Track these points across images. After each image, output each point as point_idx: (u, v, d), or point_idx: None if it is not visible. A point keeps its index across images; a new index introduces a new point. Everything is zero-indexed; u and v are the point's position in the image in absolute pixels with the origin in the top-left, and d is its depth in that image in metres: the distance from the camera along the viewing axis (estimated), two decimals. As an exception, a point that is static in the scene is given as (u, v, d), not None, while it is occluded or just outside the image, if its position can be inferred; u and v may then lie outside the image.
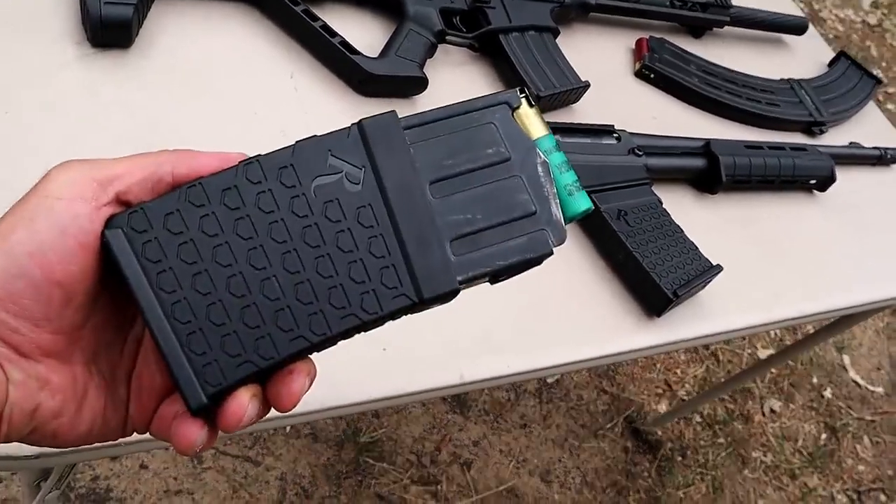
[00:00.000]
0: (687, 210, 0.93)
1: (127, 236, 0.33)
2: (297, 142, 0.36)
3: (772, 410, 1.96)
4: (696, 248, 0.82)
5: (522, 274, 0.39)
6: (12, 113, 0.66)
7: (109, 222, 0.33)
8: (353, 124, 0.37)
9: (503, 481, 1.56)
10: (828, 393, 2.08)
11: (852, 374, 2.17)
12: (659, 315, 0.78)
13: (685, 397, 1.86)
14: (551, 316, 0.74)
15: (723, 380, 1.94)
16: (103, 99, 0.71)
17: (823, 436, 1.99)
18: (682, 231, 0.83)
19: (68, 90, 0.70)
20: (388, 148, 0.36)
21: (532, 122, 0.39)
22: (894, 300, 1.05)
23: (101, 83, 0.72)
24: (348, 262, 0.34)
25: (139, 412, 0.36)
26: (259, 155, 0.35)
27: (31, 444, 0.33)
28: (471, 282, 0.36)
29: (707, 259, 0.81)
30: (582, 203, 0.40)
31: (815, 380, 2.10)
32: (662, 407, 1.83)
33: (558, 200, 0.38)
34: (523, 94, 0.39)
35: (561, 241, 0.38)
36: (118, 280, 0.33)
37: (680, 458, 1.76)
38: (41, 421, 0.32)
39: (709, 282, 0.80)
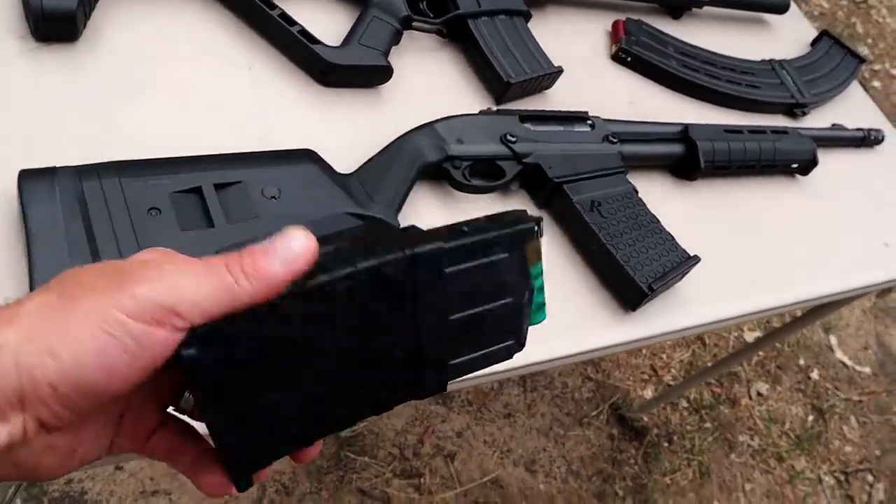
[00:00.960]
0: (664, 198, 0.90)
1: (202, 354, 0.34)
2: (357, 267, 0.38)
3: (759, 393, 1.95)
4: (673, 238, 0.79)
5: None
6: (-50, 112, 0.63)
7: (186, 341, 0.33)
8: (406, 251, 0.39)
9: (487, 472, 1.55)
10: (815, 374, 2.08)
11: (839, 354, 2.17)
12: (634, 309, 0.75)
13: (671, 382, 1.85)
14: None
15: (709, 364, 1.93)
16: (50, 96, 0.67)
17: (810, 418, 1.99)
18: (657, 221, 0.80)
19: (12, 87, 0.66)
20: (430, 281, 0.40)
21: (533, 253, 0.44)
22: (878, 285, 1.03)
23: (46, 79, 0.68)
24: (382, 371, 0.40)
25: (129, 440, 0.38)
26: (324, 280, 0.37)
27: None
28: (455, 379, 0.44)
29: (684, 250, 0.79)
30: (541, 317, 0.48)
31: (802, 361, 2.09)
32: (648, 392, 1.82)
33: (530, 318, 0.46)
34: (538, 229, 0.44)
35: (521, 349, 0.47)
36: (192, 390, 0.37)
37: (666, 444, 1.75)
38: (29, 468, 0.32)
39: (686, 273, 0.78)
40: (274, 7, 0.77)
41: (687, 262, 0.78)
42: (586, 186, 0.79)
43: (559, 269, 0.77)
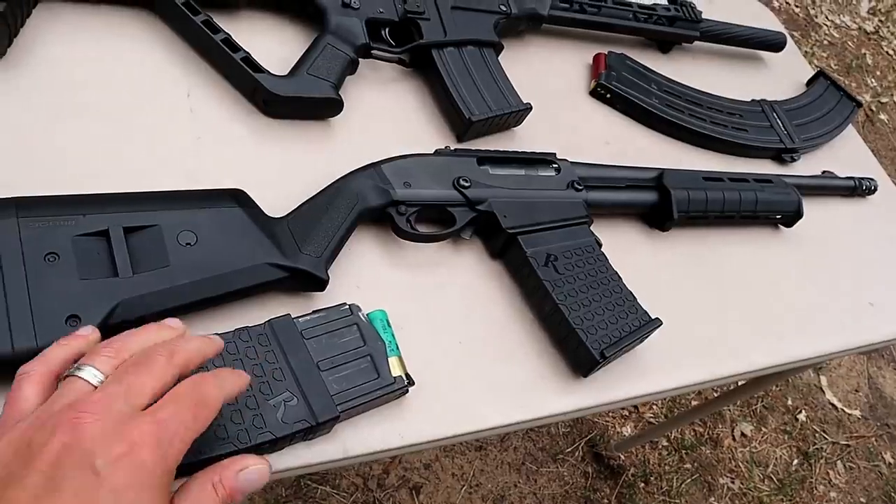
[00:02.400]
0: (632, 248, 0.85)
1: None
2: (242, 327, 0.57)
3: (742, 434, 1.89)
4: (634, 298, 0.74)
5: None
6: None
7: None
8: (266, 323, 0.57)
9: (453, 507, 1.49)
10: (802, 416, 2.02)
11: (829, 395, 2.11)
12: (585, 376, 0.70)
13: (652, 419, 1.79)
14: (461, 374, 0.66)
15: (693, 402, 1.87)
16: (-36, 118, 0.63)
17: (795, 461, 1.93)
18: (619, 279, 0.75)
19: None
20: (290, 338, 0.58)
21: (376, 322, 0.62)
22: (860, 348, 0.97)
23: (-35, 99, 0.63)
24: (267, 399, 0.54)
25: None
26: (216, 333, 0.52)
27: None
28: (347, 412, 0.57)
29: (645, 311, 0.73)
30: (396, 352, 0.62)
31: (790, 402, 2.03)
32: (628, 430, 1.76)
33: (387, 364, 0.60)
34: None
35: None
36: None
37: (643, 485, 1.69)
38: None
39: (645, 337, 0.73)
40: (218, 31, 0.72)
41: (647, 325, 0.72)
42: (543, 238, 0.73)
43: (508, 327, 0.72)
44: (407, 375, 0.60)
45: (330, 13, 0.79)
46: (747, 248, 0.96)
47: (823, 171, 1.11)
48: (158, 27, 0.75)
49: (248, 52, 0.72)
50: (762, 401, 1.98)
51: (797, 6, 3.09)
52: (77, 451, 0.37)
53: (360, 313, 0.61)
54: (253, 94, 0.73)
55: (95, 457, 0.36)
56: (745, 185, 0.94)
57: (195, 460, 0.49)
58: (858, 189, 1.11)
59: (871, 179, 1.13)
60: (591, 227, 0.78)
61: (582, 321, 0.69)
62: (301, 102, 0.73)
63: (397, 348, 0.61)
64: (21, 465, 0.36)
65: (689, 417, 1.76)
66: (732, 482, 1.79)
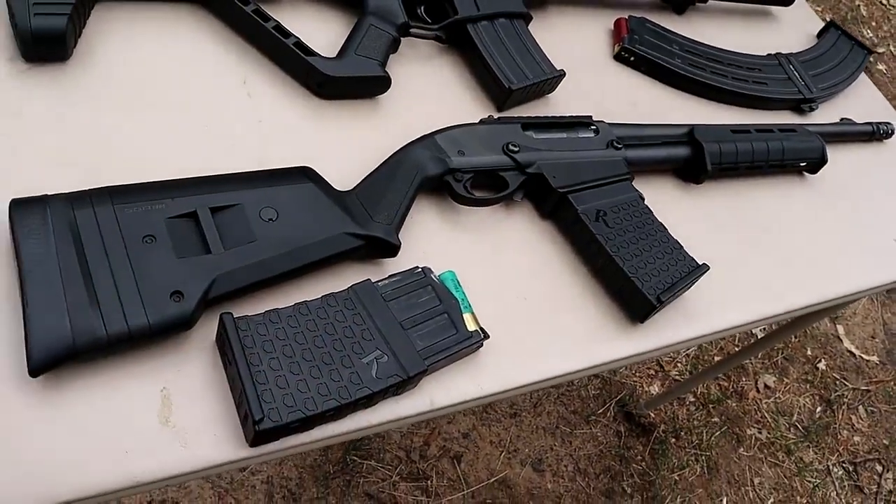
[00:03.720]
0: (669, 202, 0.89)
1: (235, 326, 0.55)
2: (329, 293, 0.61)
3: (766, 386, 1.94)
4: (681, 246, 0.78)
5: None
6: (-61, 138, 0.61)
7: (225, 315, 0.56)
8: (349, 288, 0.62)
9: (494, 473, 1.54)
10: (822, 365, 2.06)
11: (847, 343, 2.15)
12: (642, 321, 0.74)
13: (678, 377, 1.84)
14: (527, 327, 0.70)
15: (716, 357, 1.92)
16: (39, 117, 0.66)
17: (819, 409, 1.97)
18: (665, 229, 0.79)
19: (2, 110, 0.65)
20: (373, 301, 0.62)
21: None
22: (889, 284, 1.01)
23: (36, 101, 0.67)
24: (360, 357, 0.58)
25: None
26: (306, 301, 0.59)
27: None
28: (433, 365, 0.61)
29: (692, 258, 0.77)
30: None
31: (809, 352, 2.08)
32: (655, 388, 1.80)
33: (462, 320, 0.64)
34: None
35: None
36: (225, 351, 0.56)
37: (674, 440, 1.74)
38: None
39: (694, 282, 0.76)
40: (268, 19, 0.75)
41: (696, 271, 0.76)
42: (591, 195, 0.77)
43: (563, 282, 0.75)
44: (482, 329, 0.64)
45: (368, -6, 0.82)
46: (776, 195, 1.00)
47: (842, 119, 1.14)
48: (208, 20, 0.78)
49: (298, 37, 0.75)
50: (782, 353, 2.02)
51: (788, -37, 3.11)
52: None
53: (432, 275, 0.65)
54: (306, 76, 0.76)
55: None
56: (771, 136, 0.98)
57: (307, 415, 0.53)
58: (876, 133, 1.14)
59: (889, 123, 1.16)
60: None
61: (636, 270, 0.73)
62: (352, 82, 0.76)
63: (469, 305, 0.65)
64: None
65: (713, 372, 1.80)
66: (760, 432, 1.84)
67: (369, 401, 0.57)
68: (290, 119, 0.75)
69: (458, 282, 0.66)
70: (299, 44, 0.75)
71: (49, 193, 0.57)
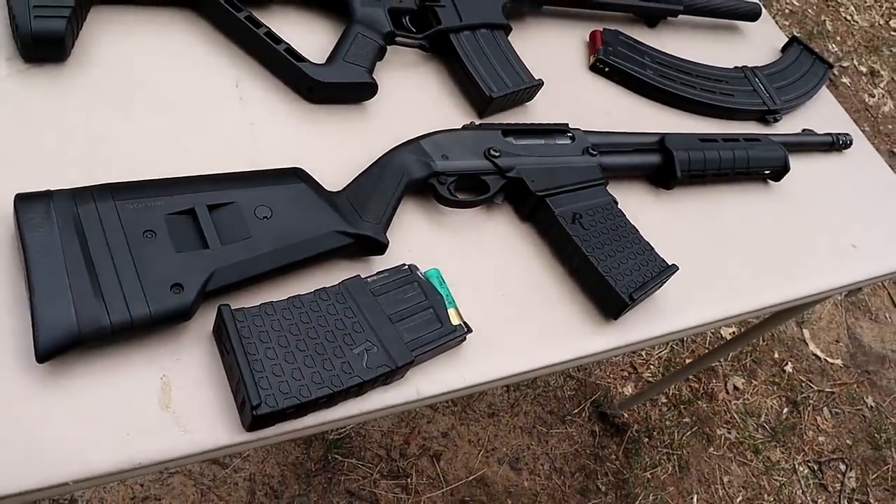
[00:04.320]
0: (641, 207, 0.93)
1: (233, 317, 0.59)
2: (321, 288, 0.64)
3: (735, 387, 2.00)
4: (652, 248, 0.82)
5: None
6: (-58, 136, 0.63)
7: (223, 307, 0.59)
8: (340, 283, 0.65)
9: (473, 471, 1.57)
10: (789, 367, 2.13)
11: (812, 347, 2.22)
12: (615, 318, 0.78)
13: (651, 379, 1.89)
14: (507, 322, 0.74)
15: (687, 360, 1.97)
16: (37, 117, 0.68)
17: (785, 410, 2.04)
18: (637, 231, 0.83)
19: (1, 109, 0.67)
20: (363, 295, 0.65)
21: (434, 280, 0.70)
22: (848, 286, 1.07)
23: (35, 101, 0.69)
24: (351, 348, 0.61)
25: None
26: (299, 294, 0.63)
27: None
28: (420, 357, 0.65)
29: (662, 259, 0.82)
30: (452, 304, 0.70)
31: (776, 355, 2.14)
32: (628, 389, 1.85)
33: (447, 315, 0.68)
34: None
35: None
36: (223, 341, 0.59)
37: (646, 440, 1.79)
38: None
39: (664, 282, 0.81)
40: (260, 25, 0.79)
41: (665, 271, 0.80)
42: (567, 199, 0.81)
43: (541, 281, 0.79)
44: (465, 324, 0.67)
45: (355, 4, 0.86)
46: (741, 201, 1.05)
47: (803, 129, 1.20)
48: (200, 24, 0.81)
49: (289, 44, 0.79)
50: (751, 355, 2.09)
51: (758, -21, 3.20)
52: None
53: (417, 272, 0.68)
54: (296, 81, 0.79)
55: None
56: (737, 145, 1.03)
57: (302, 401, 0.56)
58: (836, 144, 1.20)
59: (847, 135, 1.22)
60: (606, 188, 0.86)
61: (610, 270, 0.77)
62: (341, 87, 0.80)
63: (454, 301, 0.68)
64: None
65: (685, 374, 1.86)
66: (729, 432, 1.90)
67: (360, 389, 0.61)
68: (281, 122, 0.78)
69: (442, 279, 0.69)
70: (290, 50, 0.78)
71: (52, 189, 0.60)
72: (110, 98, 0.72)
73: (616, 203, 0.85)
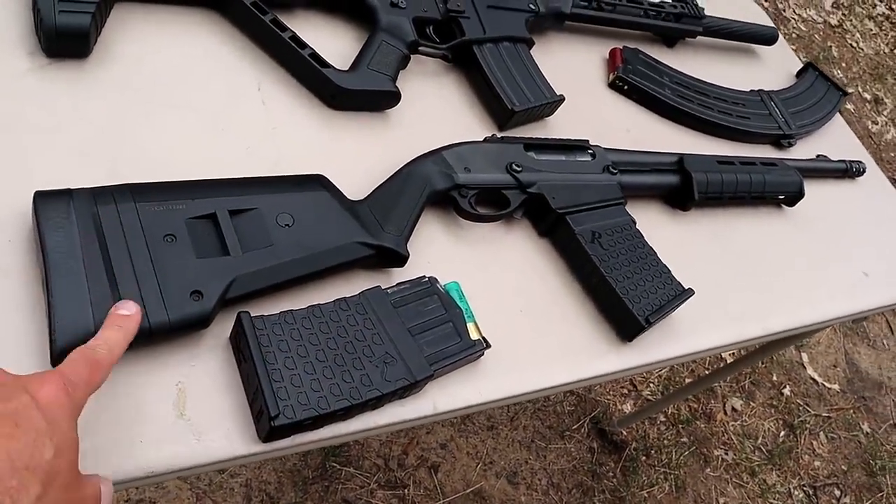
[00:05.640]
0: (657, 227, 0.93)
1: (253, 325, 0.58)
2: (341, 298, 0.63)
3: (733, 409, 2.00)
4: (669, 271, 0.81)
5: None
6: (-39, 129, 0.62)
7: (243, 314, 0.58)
8: (360, 294, 0.64)
9: (470, 484, 1.56)
10: (787, 391, 2.13)
11: (810, 371, 2.22)
12: (630, 340, 0.78)
13: (650, 397, 1.88)
14: (524, 339, 0.73)
15: (687, 379, 1.97)
16: (60, 113, 0.67)
17: (782, 433, 2.03)
18: (654, 253, 0.82)
19: (23, 104, 0.66)
20: (383, 307, 0.64)
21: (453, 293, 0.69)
22: (858, 314, 1.06)
23: (56, 96, 0.68)
24: (370, 360, 0.60)
25: None
26: (319, 304, 0.62)
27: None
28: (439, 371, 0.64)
29: (679, 283, 0.81)
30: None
31: (775, 377, 2.14)
32: (628, 407, 1.85)
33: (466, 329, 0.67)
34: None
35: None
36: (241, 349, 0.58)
37: (644, 458, 1.78)
38: None
39: (680, 306, 0.80)
40: (285, 29, 0.78)
41: (682, 295, 0.80)
42: (588, 217, 0.81)
43: (558, 298, 0.79)
44: (484, 339, 0.67)
45: (380, 12, 0.85)
46: (755, 225, 1.04)
47: (818, 155, 1.20)
48: (223, 25, 0.80)
49: (313, 49, 0.78)
50: (749, 377, 2.08)
51: (765, 1, 3.22)
52: (2, 385, 0.43)
53: (437, 285, 0.67)
54: (319, 87, 0.79)
55: (21, 386, 0.43)
56: (753, 168, 1.03)
57: (320, 413, 0.55)
58: (849, 171, 1.20)
59: (860, 162, 1.22)
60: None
61: (627, 291, 0.77)
62: (365, 95, 0.79)
63: (472, 315, 0.68)
64: None
65: (684, 393, 1.85)
66: (726, 454, 1.89)
67: (377, 402, 0.60)
68: (303, 127, 0.77)
69: (461, 292, 0.69)
70: (315, 55, 0.78)
71: (72, 187, 0.59)
72: (131, 96, 0.72)
73: (634, 223, 0.84)
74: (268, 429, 0.54)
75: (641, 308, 0.76)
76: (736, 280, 0.95)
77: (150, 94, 0.72)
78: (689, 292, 0.81)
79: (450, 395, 0.65)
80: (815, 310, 1.00)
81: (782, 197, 1.07)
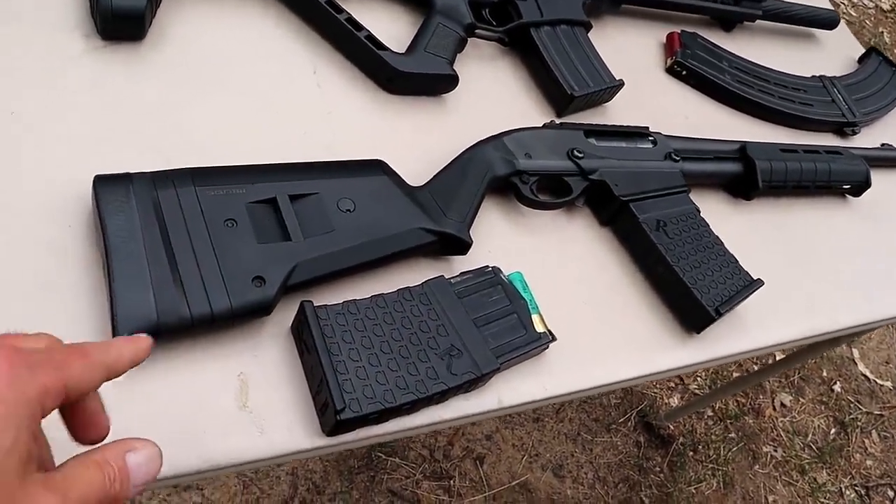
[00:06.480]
0: (721, 216, 0.89)
1: (316, 315, 0.56)
2: (404, 287, 0.61)
3: (782, 405, 1.94)
4: (737, 261, 0.78)
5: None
6: (17, 113, 0.62)
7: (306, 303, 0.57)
8: (424, 283, 0.62)
9: (516, 476, 1.54)
10: (837, 387, 2.06)
11: (861, 367, 2.16)
12: (698, 332, 0.75)
13: (697, 391, 1.84)
14: (588, 331, 0.71)
15: (734, 373, 1.92)
16: (114, 95, 0.66)
17: (833, 430, 1.98)
18: (721, 242, 0.79)
19: (77, 87, 0.65)
20: (447, 297, 0.62)
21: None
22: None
23: (111, 79, 0.67)
24: (436, 353, 0.58)
25: None
26: (382, 293, 0.60)
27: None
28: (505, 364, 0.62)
29: (748, 273, 0.78)
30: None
31: (825, 373, 2.08)
32: (675, 401, 1.81)
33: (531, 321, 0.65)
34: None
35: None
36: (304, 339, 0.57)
37: (691, 453, 1.74)
38: None
39: (748, 296, 0.77)
40: (341, 11, 0.76)
41: (751, 285, 0.77)
42: (651, 205, 0.78)
43: (621, 289, 0.76)
44: (549, 331, 0.64)
45: (436, -6, 0.83)
46: (819, 216, 1.00)
47: (882, 144, 1.15)
48: (276, 7, 0.79)
49: (369, 31, 0.76)
50: (799, 373, 2.03)
51: (816, -14, 3.12)
52: None
53: (501, 275, 0.65)
54: (375, 70, 0.77)
55: None
56: (818, 157, 0.98)
57: (386, 407, 0.53)
58: (918, 160, 1.14)
59: (929, 151, 1.16)
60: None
61: (695, 281, 0.73)
62: (422, 79, 0.77)
63: (537, 306, 0.65)
64: None
65: (732, 389, 1.80)
66: (775, 450, 1.85)
67: (442, 396, 0.58)
68: (358, 111, 0.76)
69: (525, 283, 0.66)
70: (371, 37, 0.76)
71: (131, 172, 0.58)
72: (186, 79, 0.70)
73: (699, 212, 0.81)
74: (333, 422, 0.53)
75: (710, 298, 0.73)
76: (801, 272, 0.91)
77: (205, 77, 0.71)
78: (759, 283, 0.77)
79: (513, 389, 0.63)
80: (881, 305, 0.95)
81: (847, 187, 1.02)
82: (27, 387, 0.32)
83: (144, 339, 0.42)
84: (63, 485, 0.32)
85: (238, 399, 0.55)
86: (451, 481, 1.47)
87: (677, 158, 0.84)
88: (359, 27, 0.76)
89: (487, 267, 0.65)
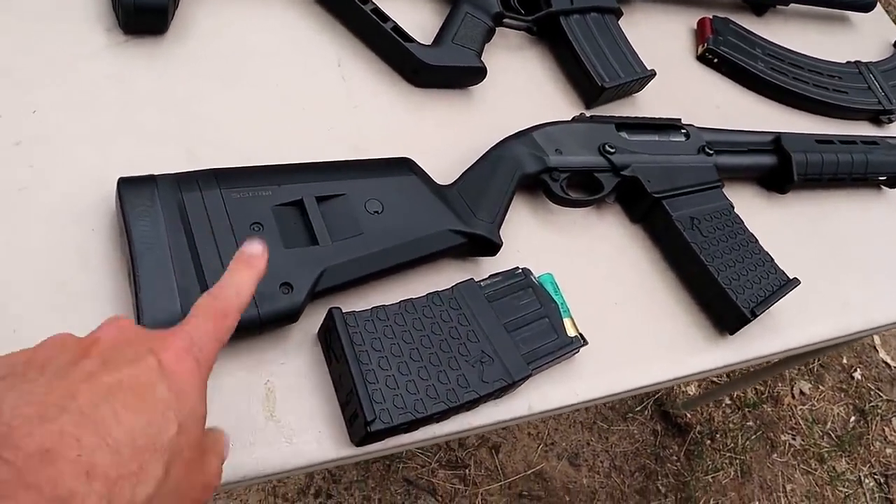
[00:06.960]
0: (755, 211, 0.87)
1: (345, 322, 0.54)
2: (433, 292, 0.59)
3: (801, 392, 1.93)
4: (772, 259, 0.76)
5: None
6: (39, 110, 0.60)
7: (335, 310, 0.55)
8: (453, 287, 0.60)
9: (531, 465, 1.54)
10: (857, 374, 2.04)
11: (882, 354, 2.13)
12: (732, 333, 0.73)
13: (715, 380, 1.82)
14: (619, 333, 0.69)
15: (753, 361, 1.90)
16: (137, 91, 0.65)
17: (852, 418, 1.96)
18: (756, 240, 0.77)
19: (99, 82, 0.64)
20: (477, 301, 0.60)
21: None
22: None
23: (134, 73, 0.66)
24: (466, 360, 0.56)
25: None
26: (411, 298, 0.58)
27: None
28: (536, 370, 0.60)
29: (783, 271, 0.75)
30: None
31: (844, 360, 2.06)
32: (692, 389, 1.79)
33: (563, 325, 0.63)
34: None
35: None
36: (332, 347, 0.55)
37: (709, 442, 1.73)
38: None
39: (784, 296, 0.75)
40: (367, 1, 0.74)
41: (787, 285, 0.74)
42: (685, 202, 0.75)
43: (654, 288, 0.74)
44: (581, 335, 0.63)
45: (463, -18, 0.80)
46: (854, 208, 0.97)
47: (919, 132, 1.12)
48: (302, -1, 0.77)
49: (396, 22, 0.74)
50: (818, 360, 2.00)
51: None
52: (127, 344, 0.37)
53: (532, 277, 0.63)
54: (401, 63, 0.75)
55: (147, 348, 0.37)
56: (854, 147, 0.95)
57: (416, 418, 0.52)
58: (955, 150, 1.11)
59: (966, 140, 1.13)
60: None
61: (730, 281, 0.71)
62: (449, 71, 0.75)
63: (568, 310, 0.63)
64: (80, 354, 0.36)
65: (751, 378, 1.78)
66: (794, 439, 1.83)
67: (473, 404, 0.57)
68: (384, 106, 0.74)
69: (556, 285, 0.65)
70: (397, 28, 0.73)
71: (155, 173, 0.56)
72: (210, 73, 0.68)
73: (733, 208, 0.79)
74: (363, 434, 0.51)
75: (746, 299, 0.71)
76: (836, 267, 0.89)
77: (228, 71, 0.69)
78: (795, 282, 0.75)
79: (543, 394, 0.62)
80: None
81: (884, 178, 1.00)
82: (203, 367, 0.39)
83: (259, 259, 0.45)
84: (215, 448, 0.41)
85: (265, 408, 0.54)
86: (467, 470, 1.47)
87: (711, 152, 0.81)
88: (385, 18, 0.74)
89: (517, 269, 0.63)
